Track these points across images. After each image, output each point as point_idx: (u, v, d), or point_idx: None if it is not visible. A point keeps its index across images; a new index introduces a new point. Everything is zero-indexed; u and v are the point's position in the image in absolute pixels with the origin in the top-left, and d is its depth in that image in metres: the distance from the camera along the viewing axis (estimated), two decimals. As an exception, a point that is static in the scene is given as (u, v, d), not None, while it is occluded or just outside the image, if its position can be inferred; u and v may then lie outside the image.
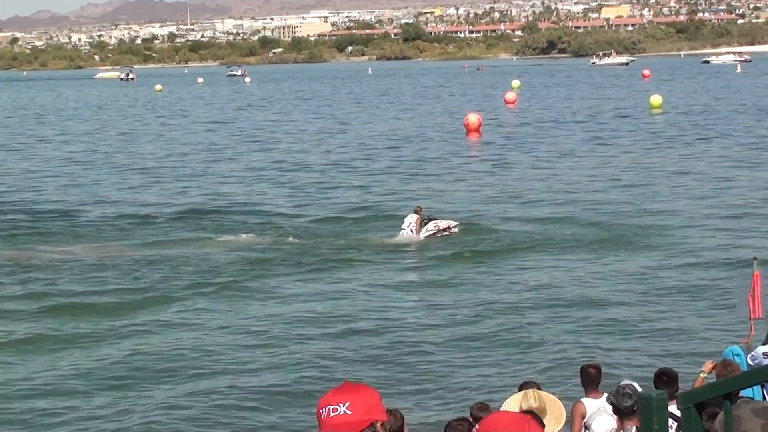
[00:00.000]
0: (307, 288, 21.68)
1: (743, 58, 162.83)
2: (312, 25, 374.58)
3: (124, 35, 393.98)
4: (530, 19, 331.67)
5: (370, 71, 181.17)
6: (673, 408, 6.27)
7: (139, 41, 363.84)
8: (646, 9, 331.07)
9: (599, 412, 9.89)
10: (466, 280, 22.09)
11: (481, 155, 46.88)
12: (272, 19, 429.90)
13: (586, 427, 10.01)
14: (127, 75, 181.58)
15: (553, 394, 7.58)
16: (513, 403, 7.12)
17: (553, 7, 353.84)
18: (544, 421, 6.84)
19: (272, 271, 23.24)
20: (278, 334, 18.19)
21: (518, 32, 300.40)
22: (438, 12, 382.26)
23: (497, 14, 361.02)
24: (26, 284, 22.42)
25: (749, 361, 10.86)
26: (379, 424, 4.07)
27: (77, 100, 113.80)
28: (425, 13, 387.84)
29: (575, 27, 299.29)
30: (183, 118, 78.81)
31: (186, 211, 32.01)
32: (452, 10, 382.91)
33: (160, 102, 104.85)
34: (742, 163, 40.24)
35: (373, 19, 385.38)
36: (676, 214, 28.88)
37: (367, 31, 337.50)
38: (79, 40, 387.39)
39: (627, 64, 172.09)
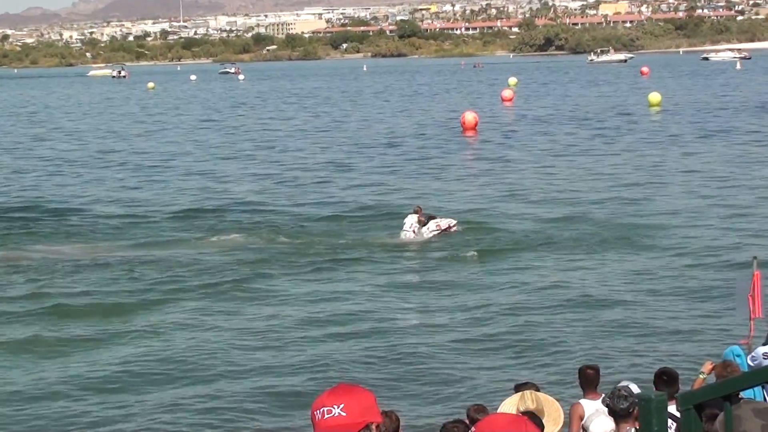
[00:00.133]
0: (305, 288, 21.55)
1: (743, 55, 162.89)
2: (306, 22, 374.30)
3: (116, 32, 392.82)
4: (527, 15, 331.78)
5: (365, 68, 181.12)
6: (672, 409, 6.19)
7: (131, 38, 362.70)
8: (645, 5, 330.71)
9: (597, 413, 9.81)
10: (465, 281, 21.99)
11: (478, 153, 46.83)
12: (266, 16, 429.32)
13: (584, 429, 9.94)
14: (120, 72, 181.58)
15: (550, 395, 7.50)
16: (510, 405, 7.05)
17: (550, 4, 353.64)
18: (543, 422, 6.76)
19: (270, 271, 23.09)
20: (276, 335, 18.09)
21: (515, 29, 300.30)
22: (434, 9, 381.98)
23: (494, 11, 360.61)
24: (20, 285, 22.27)
25: (749, 362, 10.79)
26: (374, 426, 4.04)
27: (69, 97, 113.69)
28: (421, 9, 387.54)
29: (573, 24, 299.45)
30: (176, 116, 78.69)
31: (181, 210, 31.90)
32: (448, 7, 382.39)
33: (153, 100, 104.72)
34: (741, 160, 40.20)
35: (368, 16, 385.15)
36: (676, 213, 28.82)
37: (362, 28, 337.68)
38: (71, 37, 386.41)
39: (625, 61, 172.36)
